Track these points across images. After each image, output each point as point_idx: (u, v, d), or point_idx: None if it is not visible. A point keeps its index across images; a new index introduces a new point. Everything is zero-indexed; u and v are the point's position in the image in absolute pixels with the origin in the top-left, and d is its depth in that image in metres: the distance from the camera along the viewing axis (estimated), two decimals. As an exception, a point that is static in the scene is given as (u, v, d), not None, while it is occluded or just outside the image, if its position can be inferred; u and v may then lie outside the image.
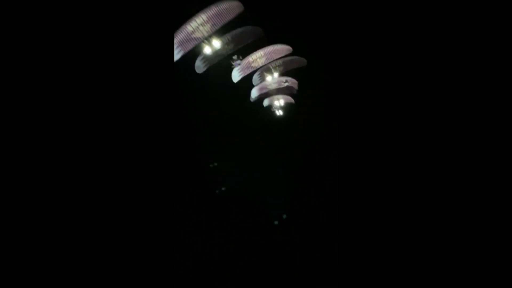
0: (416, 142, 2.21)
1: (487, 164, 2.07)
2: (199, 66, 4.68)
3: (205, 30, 3.97)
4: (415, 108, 2.22)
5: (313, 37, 5.90)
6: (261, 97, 6.31)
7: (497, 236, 2.01)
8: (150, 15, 2.32)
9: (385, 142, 2.26)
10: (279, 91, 6.06)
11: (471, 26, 2.11)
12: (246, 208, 7.30)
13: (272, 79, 5.58)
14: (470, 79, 2.11)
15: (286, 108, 6.68)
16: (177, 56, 4.08)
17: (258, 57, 4.96)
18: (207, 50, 4.41)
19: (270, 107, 6.67)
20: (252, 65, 5.08)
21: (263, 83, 5.77)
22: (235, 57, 4.79)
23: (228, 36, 4.35)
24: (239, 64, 4.99)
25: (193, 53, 4.51)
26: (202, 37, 4.06)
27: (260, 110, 6.54)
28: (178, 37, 3.92)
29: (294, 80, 5.94)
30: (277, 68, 5.26)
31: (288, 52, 4.99)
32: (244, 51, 4.83)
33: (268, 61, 5.06)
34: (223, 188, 7.40)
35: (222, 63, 4.89)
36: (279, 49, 4.89)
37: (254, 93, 6.11)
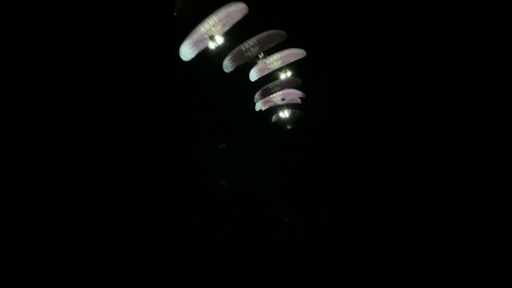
0: (417, 142, 2.21)
1: (487, 164, 2.07)
2: (227, 66, 4.95)
3: (217, 30, 4.33)
4: (415, 108, 2.22)
5: (313, 37, 5.90)
6: (266, 109, 6.48)
7: (497, 236, 2.01)
8: (150, 14, 2.32)
9: (385, 142, 2.26)
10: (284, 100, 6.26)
11: (476, 20, 2.11)
12: (246, 208, 7.29)
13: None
14: (474, 76, 2.11)
15: (294, 119, 6.84)
16: (191, 55, 4.47)
17: (275, 60, 5.24)
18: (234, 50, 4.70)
19: (278, 122, 6.85)
20: (269, 66, 5.34)
21: (267, 97, 5.98)
22: (261, 55, 5.02)
23: (254, 40, 4.68)
24: (265, 63, 5.23)
25: (205, 53, 4.65)
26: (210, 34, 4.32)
27: (260, 113, 6.56)
28: (193, 37, 4.31)
29: (296, 92, 6.09)
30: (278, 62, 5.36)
31: (303, 56, 5.24)
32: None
33: (284, 64, 5.34)
34: (223, 183, 7.41)
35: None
36: (295, 53, 5.20)
37: (259, 106, 6.28)
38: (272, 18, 5.30)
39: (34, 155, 2.11)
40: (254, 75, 5.42)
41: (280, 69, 5.45)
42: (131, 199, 2.22)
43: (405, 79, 2.24)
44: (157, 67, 2.34)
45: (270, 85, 5.82)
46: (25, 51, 2.13)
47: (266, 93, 5.97)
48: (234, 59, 4.81)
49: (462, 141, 2.13)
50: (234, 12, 4.20)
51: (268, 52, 5.05)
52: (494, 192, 2.04)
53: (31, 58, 2.14)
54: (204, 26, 4.26)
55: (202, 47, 4.49)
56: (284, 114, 6.67)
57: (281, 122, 7.07)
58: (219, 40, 4.44)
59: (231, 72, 5.47)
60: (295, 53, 5.19)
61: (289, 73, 5.56)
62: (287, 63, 5.34)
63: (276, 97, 6.21)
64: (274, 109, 6.68)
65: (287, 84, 5.87)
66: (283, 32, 4.65)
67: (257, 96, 6.05)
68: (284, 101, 6.26)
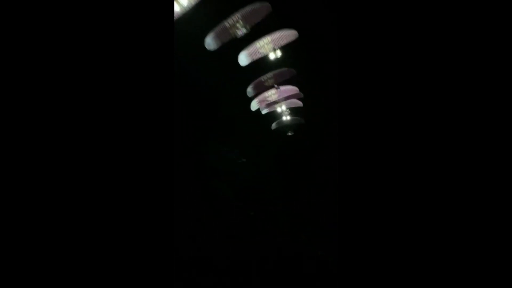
0: (417, 142, 2.21)
1: (487, 164, 2.07)
2: (209, 43, 4.74)
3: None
4: (415, 108, 2.22)
5: (313, 36, 5.91)
6: (263, 108, 6.36)
7: (497, 236, 2.01)
8: (150, 13, 2.32)
9: (385, 142, 2.26)
10: (282, 98, 6.11)
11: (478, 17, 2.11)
12: (246, 208, 7.30)
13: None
14: (474, 76, 2.11)
15: (295, 125, 6.74)
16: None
17: (265, 43, 4.96)
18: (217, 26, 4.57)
19: (279, 129, 6.74)
20: (260, 50, 5.09)
21: (262, 95, 5.81)
22: (244, 26, 4.71)
23: (238, 15, 4.49)
24: (242, 34, 4.85)
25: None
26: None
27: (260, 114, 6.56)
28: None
29: (292, 89, 5.94)
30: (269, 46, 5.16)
31: (295, 37, 4.97)
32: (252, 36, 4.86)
33: (276, 47, 5.06)
34: (252, 213, 7.34)
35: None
36: (287, 35, 4.90)
37: (254, 106, 6.11)
38: (272, 18, 5.30)
39: (34, 155, 2.11)
40: (244, 59, 5.13)
41: (272, 50, 5.12)
42: (131, 199, 2.22)
43: (405, 79, 2.24)
44: (157, 67, 2.34)
45: (263, 77, 5.56)
46: (25, 51, 2.13)
47: (259, 87, 5.72)
48: (217, 36, 4.57)
49: (462, 141, 2.13)
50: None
51: (259, 35, 4.82)
52: (494, 192, 2.04)
53: (31, 58, 2.14)
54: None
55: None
56: (284, 120, 6.58)
57: (281, 129, 7.00)
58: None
59: (232, 72, 5.46)
60: (286, 35, 4.91)
61: (279, 53, 5.17)
62: (279, 46, 5.04)
63: (272, 97, 5.99)
64: (273, 113, 6.61)
65: (280, 76, 5.59)
66: (268, 4, 4.46)
67: (249, 89, 5.79)
68: (280, 99, 6.02)
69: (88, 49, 2.22)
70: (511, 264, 1.97)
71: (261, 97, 5.97)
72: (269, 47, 5.02)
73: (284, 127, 6.91)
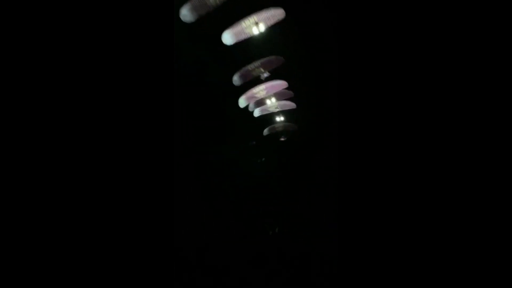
0: (417, 142, 2.21)
1: (487, 164, 2.07)
2: (185, 15, 4.39)
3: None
4: (415, 108, 2.22)
5: (313, 36, 5.91)
6: (252, 107, 6.24)
7: (497, 236, 2.01)
8: (150, 13, 2.32)
9: (385, 142, 2.26)
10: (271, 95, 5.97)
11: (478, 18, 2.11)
12: (246, 208, 7.29)
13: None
14: (474, 77, 2.11)
15: (288, 131, 6.63)
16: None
17: (251, 23, 4.74)
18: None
19: (271, 135, 6.64)
20: (246, 31, 4.87)
21: (250, 91, 5.69)
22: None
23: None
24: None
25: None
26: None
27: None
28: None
29: (280, 84, 5.80)
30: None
31: (282, 16, 4.76)
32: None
33: (263, 27, 4.84)
34: (276, 230, 7.29)
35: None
36: (273, 14, 4.69)
37: (242, 103, 5.98)
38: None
39: (34, 155, 2.11)
40: (228, 38, 4.84)
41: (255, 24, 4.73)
42: (131, 199, 2.22)
43: (405, 79, 2.24)
44: (157, 67, 2.34)
45: (250, 66, 5.34)
46: (25, 51, 2.13)
47: (246, 76, 5.50)
48: (194, 9, 4.21)
49: (461, 141, 2.13)
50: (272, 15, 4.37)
51: (243, 16, 4.60)
52: (494, 192, 2.04)
53: (31, 58, 2.14)
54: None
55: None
56: (277, 126, 6.46)
57: (273, 135, 6.90)
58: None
59: (232, 71, 5.44)
60: (273, 14, 4.65)
61: (262, 28, 4.77)
62: (267, 26, 4.76)
63: (260, 93, 5.76)
64: (266, 116, 6.50)
65: (268, 64, 5.36)
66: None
67: (236, 78, 5.54)
68: (269, 95, 5.86)
69: (87, 49, 2.22)
70: (511, 264, 1.97)
71: (249, 93, 5.78)
72: (255, 27, 4.80)
73: (276, 133, 6.81)
